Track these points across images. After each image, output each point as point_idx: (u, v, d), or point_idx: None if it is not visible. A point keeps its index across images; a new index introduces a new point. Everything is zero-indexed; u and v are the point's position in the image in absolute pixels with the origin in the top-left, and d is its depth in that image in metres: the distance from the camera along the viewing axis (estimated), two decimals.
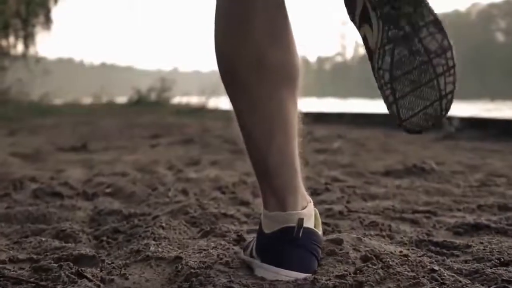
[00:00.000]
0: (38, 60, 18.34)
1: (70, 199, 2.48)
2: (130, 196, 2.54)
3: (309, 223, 1.46)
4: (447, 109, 1.44)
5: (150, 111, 13.68)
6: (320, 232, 1.50)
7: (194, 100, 15.75)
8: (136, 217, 2.08)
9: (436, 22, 1.41)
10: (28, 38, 19.18)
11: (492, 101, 28.99)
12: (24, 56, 18.83)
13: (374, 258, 1.47)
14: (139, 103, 16.16)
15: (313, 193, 2.56)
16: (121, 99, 18.84)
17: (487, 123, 7.58)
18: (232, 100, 1.49)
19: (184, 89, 19.02)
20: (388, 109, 1.43)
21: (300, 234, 1.43)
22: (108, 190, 2.66)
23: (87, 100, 19.27)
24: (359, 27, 1.49)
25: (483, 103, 25.39)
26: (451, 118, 7.51)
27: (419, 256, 1.55)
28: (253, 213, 2.17)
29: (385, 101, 1.43)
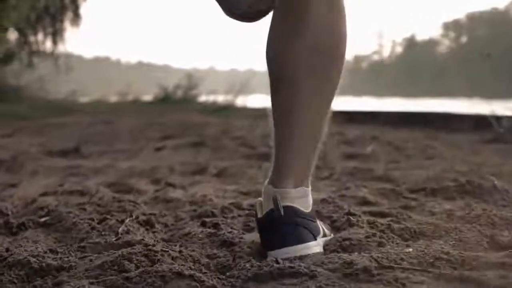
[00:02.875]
0: (61, 56, 17.88)
1: None
2: (67, 231, 1.77)
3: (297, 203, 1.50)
4: None
5: (174, 109, 12.95)
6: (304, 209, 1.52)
7: (222, 98, 14.99)
8: (45, 275, 1.33)
9: None
10: (57, 35, 18.71)
11: None
12: (52, 53, 18.39)
13: None
14: (165, 101, 15.47)
15: (331, 225, 1.80)
16: (149, 97, 18.24)
17: None
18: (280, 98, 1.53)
19: (217, 87, 18.31)
20: None
21: (282, 213, 1.46)
22: (44, 219, 1.91)
23: (114, 99, 18.72)
24: None
25: None
26: (499, 118, 6.68)
27: None
28: (233, 266, 1.42)
29: None
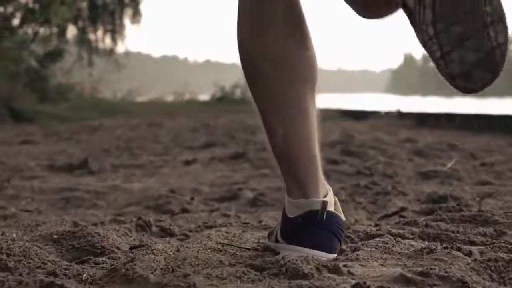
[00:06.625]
0: (119, 54, 17.41)
1: None
2: None
3: (330, 209, 1.55)
4: (502, 59, 1.34)
5: (231, 110, 12.15)
6: (341, 215, 1.58)
7: None
8: None
9: None
10: (116, 32, 18.24)
11: None
12: (111, 51, 17.93)
13: None
14: (222, 100, 14.69)
15: None
16: (207, 97, 17.62)
17: None
18: (257, 100, 1.59)
19: None
20: (436, 66, 1.37)
21: (324, 217, 1.52)
22: None
23: (170, 98, 18.16)
24: None
25: None
26: None
27: None
28: None
29: (431, 58, 1.38)
